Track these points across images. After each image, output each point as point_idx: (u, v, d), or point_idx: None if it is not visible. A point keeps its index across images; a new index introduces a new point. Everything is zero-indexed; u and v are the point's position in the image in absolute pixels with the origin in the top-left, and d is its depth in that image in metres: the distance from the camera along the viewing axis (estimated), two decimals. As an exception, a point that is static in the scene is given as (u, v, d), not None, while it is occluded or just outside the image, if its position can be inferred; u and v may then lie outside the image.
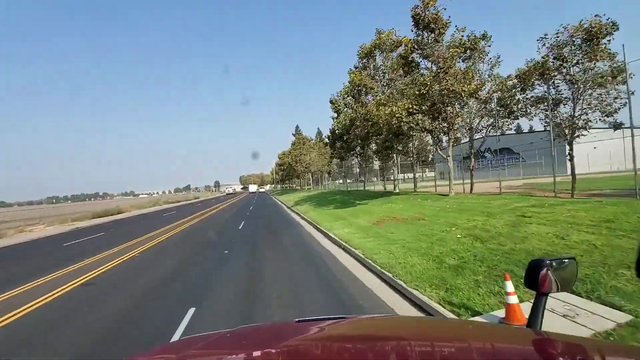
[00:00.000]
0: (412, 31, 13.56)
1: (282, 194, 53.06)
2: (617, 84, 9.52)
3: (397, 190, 20.61)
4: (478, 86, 12.46)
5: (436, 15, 12.67)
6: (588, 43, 9.56)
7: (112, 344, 3.95)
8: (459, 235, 7.22)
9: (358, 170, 32.56)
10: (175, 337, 3.88)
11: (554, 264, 1.26)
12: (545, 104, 10.93)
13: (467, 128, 14.91)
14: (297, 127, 69.89)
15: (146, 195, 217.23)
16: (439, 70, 12.29)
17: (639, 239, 4.85)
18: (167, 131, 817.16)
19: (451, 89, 11.87)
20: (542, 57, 10.67)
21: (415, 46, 13.56)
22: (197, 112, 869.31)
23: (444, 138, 15.13)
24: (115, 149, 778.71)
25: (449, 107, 13.19)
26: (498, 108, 13.28)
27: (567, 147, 10.57)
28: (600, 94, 9.77)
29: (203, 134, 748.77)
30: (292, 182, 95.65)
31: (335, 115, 20.92)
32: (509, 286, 3.42)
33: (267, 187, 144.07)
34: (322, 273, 6.32)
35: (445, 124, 13.69)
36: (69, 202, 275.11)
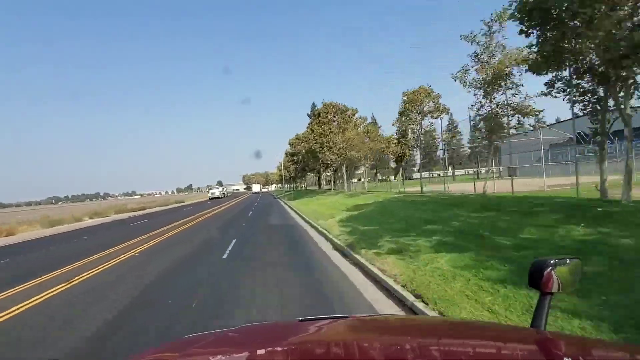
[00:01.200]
0: None
1: (297, 198, 33.36)
2: None
3: None
4: None
5: None
6: None
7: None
8: None
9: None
10: None
11: (558, 263, 1.08)
12: None
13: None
14: (313, 104, 50.73)
15: (139, 197, 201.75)
16: None
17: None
18: (169, 130, 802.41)
19: None
20: None
21: None
22: (200, 111, 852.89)
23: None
24: (118, 148, 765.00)
25: None
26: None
27: None
28: None
29: (206, 133, 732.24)
30: (304, 180, 75.75)
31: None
32: None
33: (273, 187, 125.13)
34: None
35: None
36: (69, 202, 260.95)
